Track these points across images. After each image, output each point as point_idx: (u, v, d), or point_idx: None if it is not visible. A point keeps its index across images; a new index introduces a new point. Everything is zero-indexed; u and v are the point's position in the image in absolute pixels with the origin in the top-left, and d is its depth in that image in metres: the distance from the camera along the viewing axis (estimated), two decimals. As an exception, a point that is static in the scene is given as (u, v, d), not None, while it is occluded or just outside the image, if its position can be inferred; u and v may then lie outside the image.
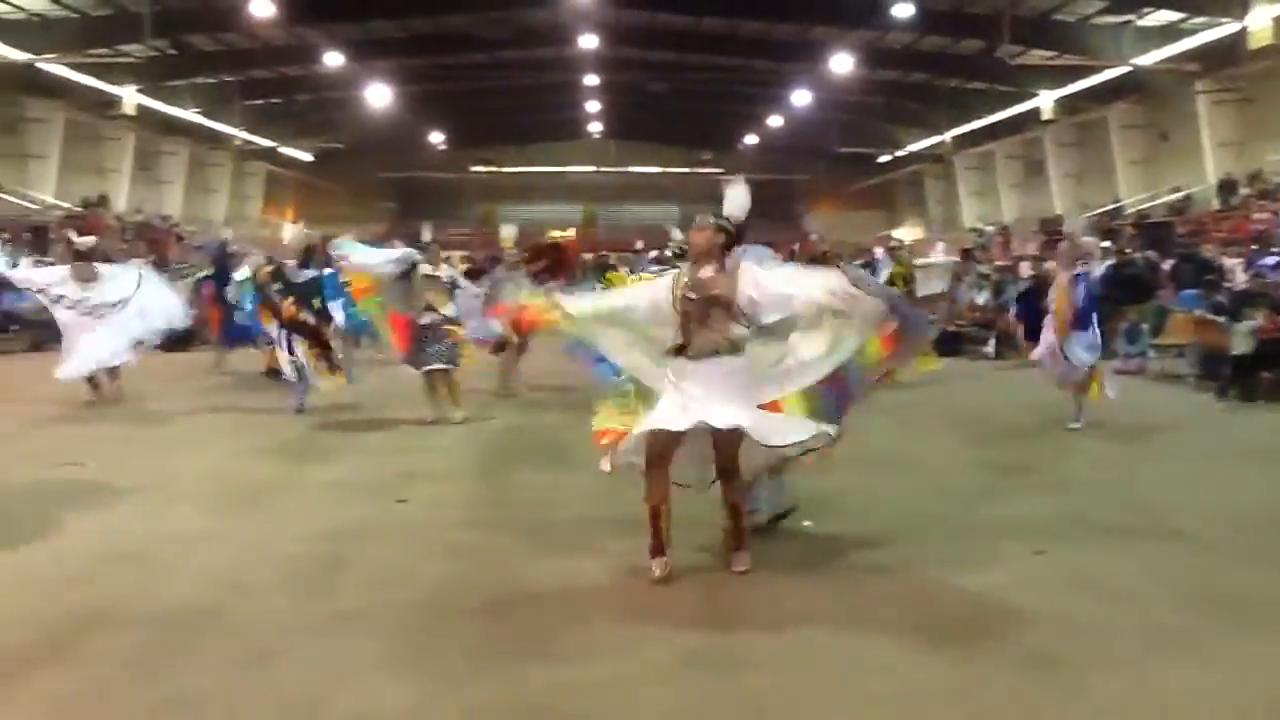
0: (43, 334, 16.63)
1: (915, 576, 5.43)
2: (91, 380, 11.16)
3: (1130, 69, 24.09)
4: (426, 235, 11.78)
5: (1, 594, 5.02)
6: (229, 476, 7.72)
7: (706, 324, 5.23)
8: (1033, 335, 10.99)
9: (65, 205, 28.09)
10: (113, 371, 11.31)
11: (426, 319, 9.96)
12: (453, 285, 10.52)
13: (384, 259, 10.03)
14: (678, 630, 4.63)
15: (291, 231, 11.23)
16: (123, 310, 11.10)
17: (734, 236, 5.43)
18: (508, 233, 9.55)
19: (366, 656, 4.32)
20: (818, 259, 8.82)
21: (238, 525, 6.35)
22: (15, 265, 11.20)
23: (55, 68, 26.18)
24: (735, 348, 5.26)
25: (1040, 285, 12.53)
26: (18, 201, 26.83)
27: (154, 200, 34.10)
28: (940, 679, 4.15)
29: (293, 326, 10.41)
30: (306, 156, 40.86)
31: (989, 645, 4.48)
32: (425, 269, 10.06)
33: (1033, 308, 12.36)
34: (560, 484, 7.50)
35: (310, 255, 10.82)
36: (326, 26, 27.33)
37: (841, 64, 27.37)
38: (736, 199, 5.58)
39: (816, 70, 29.01)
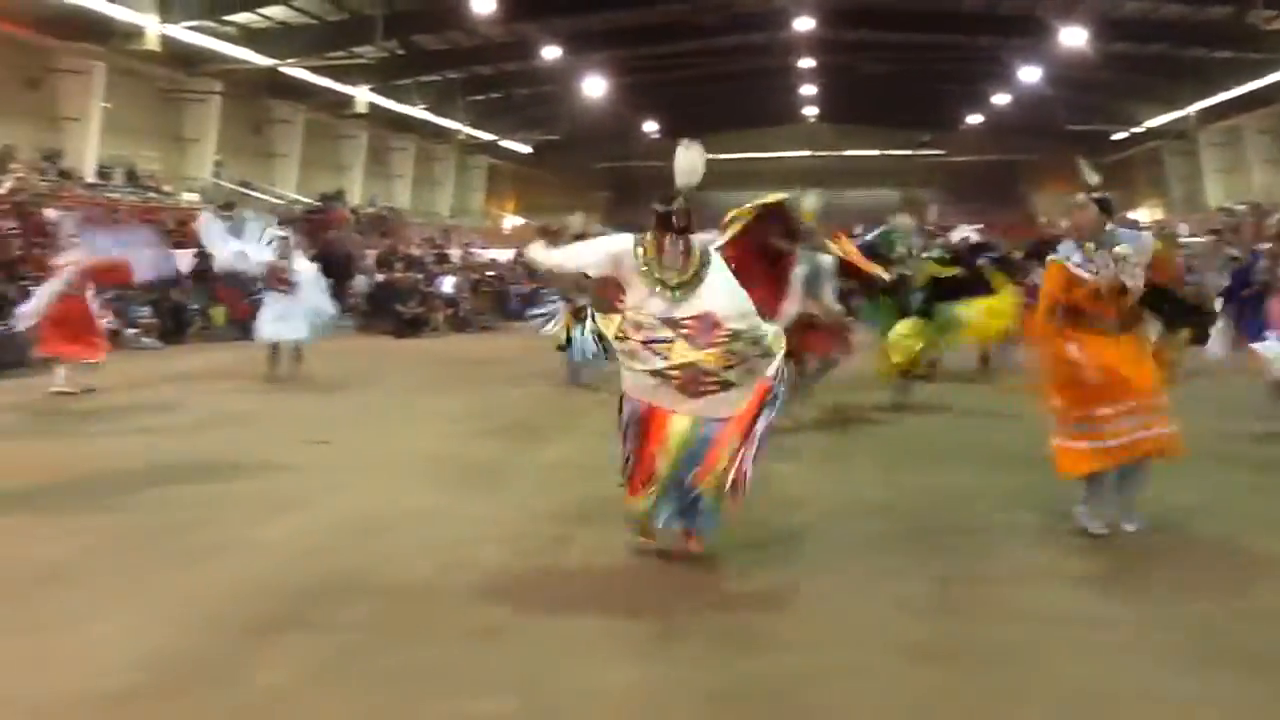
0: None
1: (1162, 576, 5.08)
2: (274, 353, 11.88)
3: (1406, 29, 21.89)
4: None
5: (256, 562, 5.31)
6: (460, 455, 7.93)
7: None
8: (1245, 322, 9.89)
9: (306, 200, 29.88)
10: (296, 352, 12.00)
11: None
12: None
13: None
14: (907, 623, 4.47)
15: (578, 219, 11.57)
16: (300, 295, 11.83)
17: (683, 219, 4.88)
18: (810, 203, 8.88)
19: (594, 636, 4.34)
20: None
21: (468, 503, 6.50)
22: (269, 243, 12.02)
23: (296, 71, 27.86)
24: None
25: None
26: (263, 197, 28.73)
27: (385, 193, 35.84)
28: (1194, 687, 3.84)
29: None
30: (525, 149, 42.00)
31: (1242, 654, 4.12)
32: None
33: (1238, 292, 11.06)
34: (780, 471, 7.39)
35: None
36: (544, 21, 27.97)
37: (1072, 37, 25.98)
38: (685, 164, 5.05)
39: (1045, 45, 27.67)
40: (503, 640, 4.29)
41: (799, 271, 8.21)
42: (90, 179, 22.88)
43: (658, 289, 4.84)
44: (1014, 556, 5.39)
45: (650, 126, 41.62)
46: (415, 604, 4.71)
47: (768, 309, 6.96)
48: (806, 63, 34.24)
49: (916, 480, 7.13)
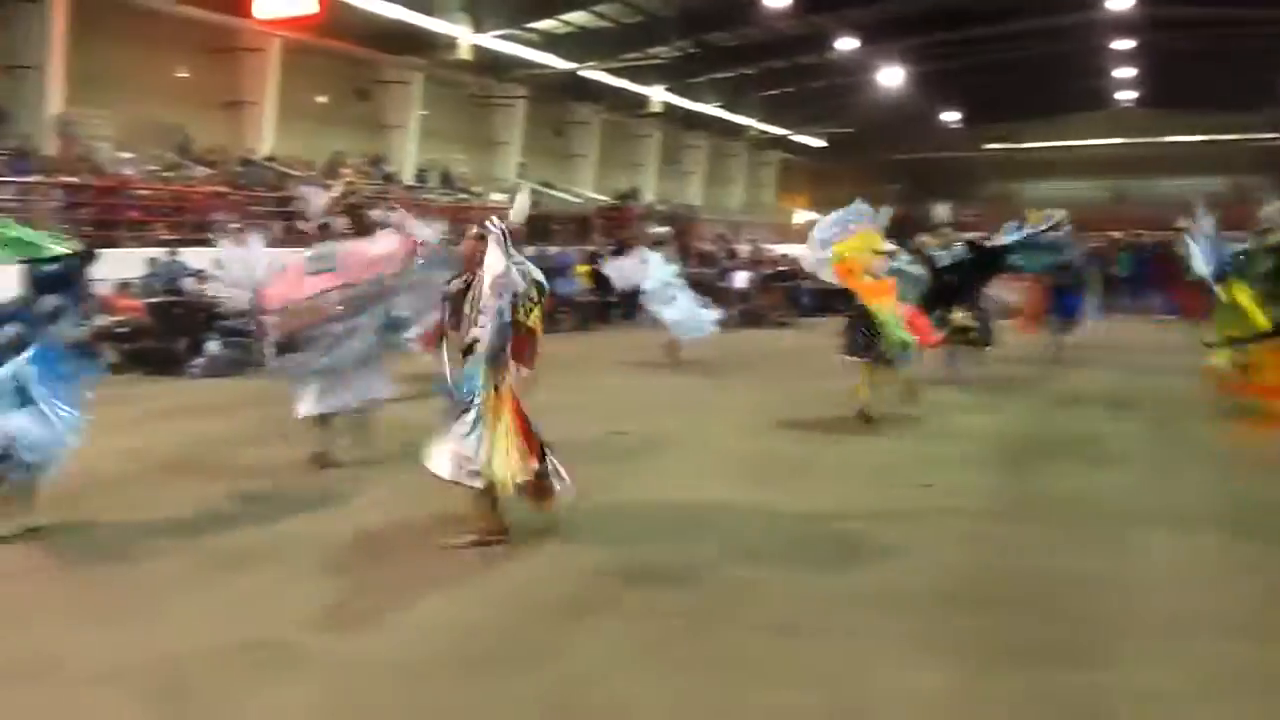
0: (586, 314, 18.36)
1: None
2: (672, 345, 12.91)
3: None
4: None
5: (567, 546, 5.48)
6: (758, 450, 7.94)
7: (464, 326, 5.49)
8: None
9: (602, 198, 30.82)
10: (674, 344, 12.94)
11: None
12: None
13: None
14: (1230, 642, 4.15)
15: (943, 209, 11.26)
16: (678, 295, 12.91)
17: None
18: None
19: (895, 637, 4.26)
20: None
21: (765, 498, 6.48)
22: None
23: (595, 74, 28.80)
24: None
25: None
26: (562, 196, 29.90)
27: (677, 191, 36.45)
28: None
29: None
30: (818, 143, 41.62)
31: None
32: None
33: None
34: (1092, 479, 7.07)
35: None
36: (838, 12, 27.52)
37: None
38: (518, 206, 5.92)
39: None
40: (809, 636, 4.28)
41: None
42: (409, 181, 24.52)
43: None
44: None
45: (949, 115, 40.19)
46: (722, 595, 4.75)
47: None
48: (1120, 44, 32.01)
49: (1252, 491, 6.57)
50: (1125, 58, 34.39)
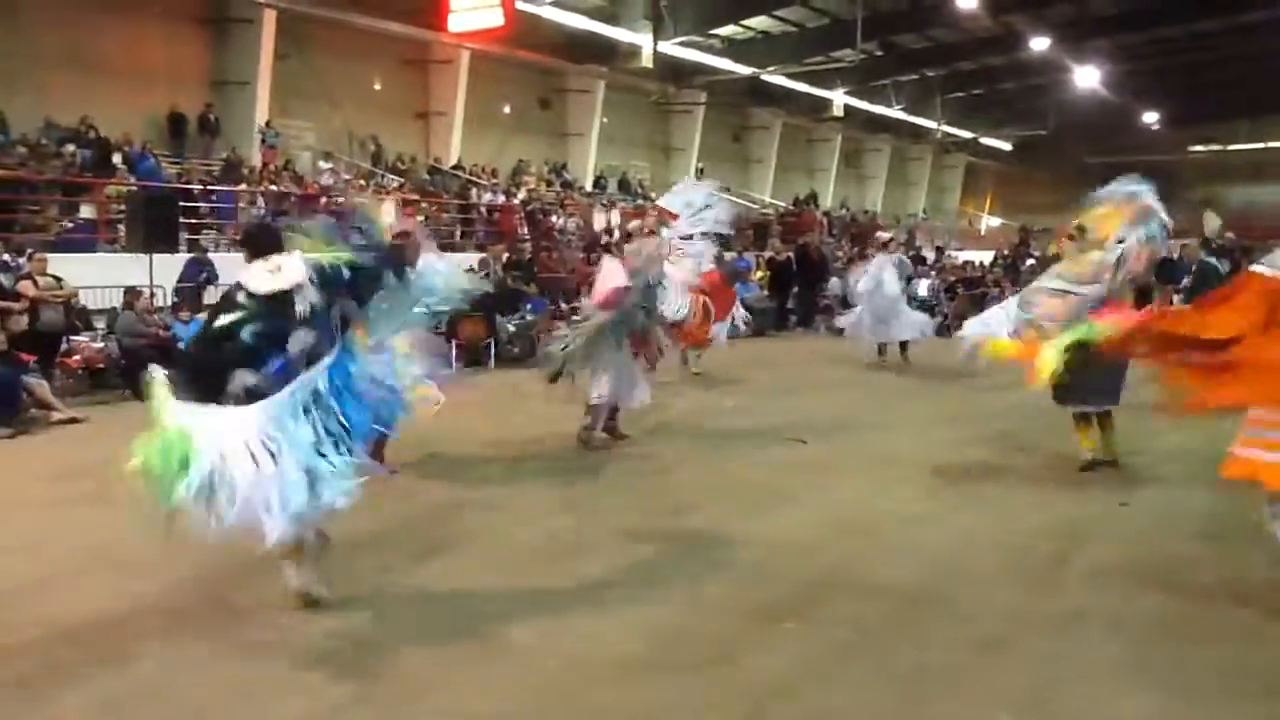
0: (765, 321, 18.19)
1: None
2: (881, 350, 13.43)
3: None
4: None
5: (751, 552, 5.43)
6: (941, 461, 7.64)
7: None
8: None
9: (780, 204, 30.60)
10: (904, 347, 13.38)
11: None
12: None
13: None
14: None
15: (1212, 219, 10.56)
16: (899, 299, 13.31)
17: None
18: None
19: (1098, 660, 4.06)
20: None
21: (957, 511, 6.27)
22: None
23: (776, 78, 28.63)
24: None
25: None
26: (740, 202, 29.81)
27: (857, 196, 35.89)
28: None
29: None
30: (1006, 146, 40.33)
31: None
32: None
33: None
34: None
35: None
36: (1034, 11, 26.55)
37: None
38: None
39: None
40: (1010, 654, 4.13)
41: None
42: (588, 188, 24.90)
43: None
44: None
45: (1150, 116, 38.28)
46: (910, 608, 4.63)
47: None
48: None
49: None
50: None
